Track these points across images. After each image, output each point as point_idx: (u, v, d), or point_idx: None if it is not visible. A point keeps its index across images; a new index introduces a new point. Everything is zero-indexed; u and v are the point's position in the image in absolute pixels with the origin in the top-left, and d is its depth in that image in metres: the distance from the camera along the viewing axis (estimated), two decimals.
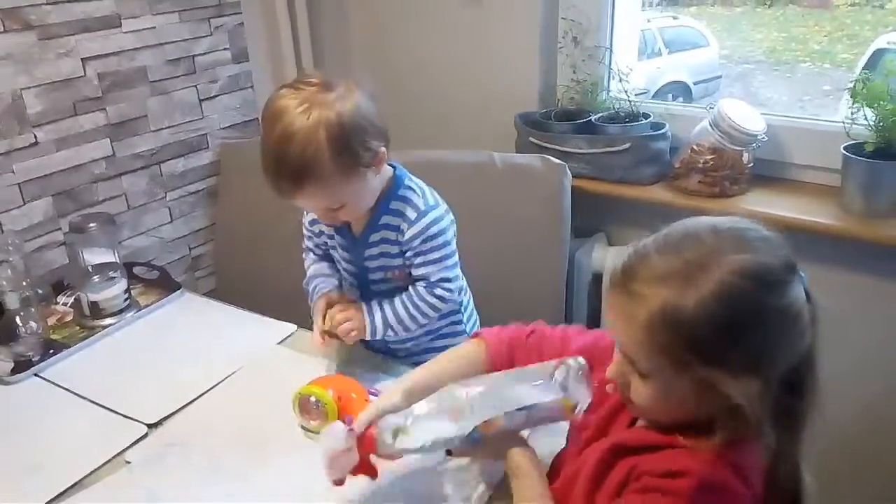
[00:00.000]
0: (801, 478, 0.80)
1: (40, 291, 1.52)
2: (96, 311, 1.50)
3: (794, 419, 0.75)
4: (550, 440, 1.01)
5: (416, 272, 1.27)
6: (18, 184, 1.61)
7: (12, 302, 1.40)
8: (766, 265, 0.73)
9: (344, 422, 1.07)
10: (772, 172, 1.65)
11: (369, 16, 2.07)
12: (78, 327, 1.50)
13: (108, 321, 1.50)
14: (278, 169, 1.10)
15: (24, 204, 1.63)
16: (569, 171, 1.65)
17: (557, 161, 1.65)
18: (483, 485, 1.02)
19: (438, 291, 1.26)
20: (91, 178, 1.74)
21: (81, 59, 1.67)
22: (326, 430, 0.95)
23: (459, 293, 1.36)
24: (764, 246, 0.75)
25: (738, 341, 0.72)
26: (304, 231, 1.39)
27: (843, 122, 1.46)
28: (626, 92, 1.72)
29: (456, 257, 1.29)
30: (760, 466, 0.76)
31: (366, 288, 1.33)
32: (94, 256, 1.54)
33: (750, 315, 0.72)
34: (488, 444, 0.95)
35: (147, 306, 1.57)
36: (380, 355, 1.35)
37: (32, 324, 1.40)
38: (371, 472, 0.99)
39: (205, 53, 1.93)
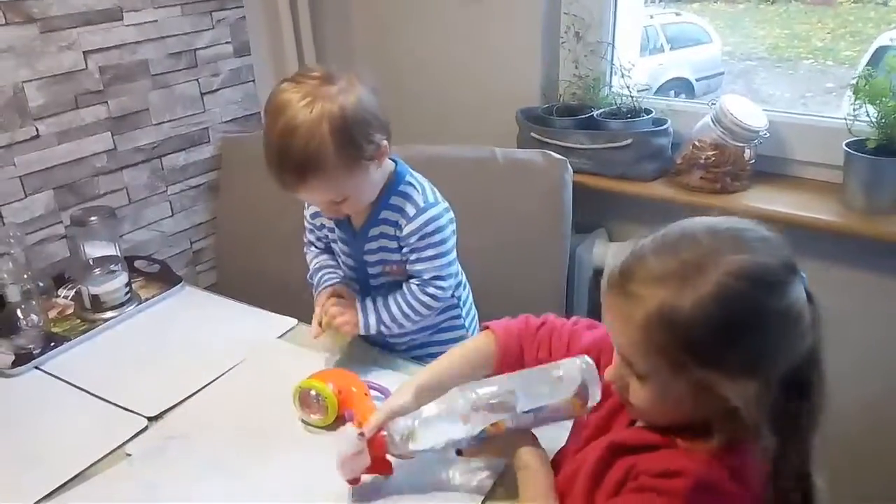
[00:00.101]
0: (809, 482, 0.77)
1: (41, 284, 1.52)
2: (97, 304, 1.50)
3: (797, 422, 0.74)
4: (553, 434, 1.01)
5: (410, 268, 1.27)
6: (20, 176, 1.61)
7: (13, 294, 1.40)
8: (763, 266, 0.72)
9: (344, 416, 1.08)
10: (773, 169, 1.65)
11: (371, 9, 2.07)
12: (79, 320, 1.50)
13: (108, 314, 1.50)
14: (282, 162, 1.10)
15: (26, 197, 1.63)
16: (570, 167, 1.65)
17: (559, 156, 1.65)
18: (486, 472, 1.02)
19: (431, 290, 1.26)
20: (92, 171, 1.75)
21: (83, 52, 1.67)
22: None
23: (458, 289, 1.37)
24: (762, 246, 0.74)
25: (735, 343, 0.71)
26: (306, 224, 1.40)
27: (845, 119, 1.46)
28: (628, 88, 1.72)
29: (452, 256, 1.29)
30: (760, 468, 0.75)
31: (365, 281, 1.34)
32: (95, 250, 1.54)
33: (747, 316, 0.71)
34: (497, 442, 0.96)
35: (148, 300, 1.57)
36: (379, 349, 1.35)
37: (33, 316, 1.40)
38: (385, 470, 1.00)
39: (206, 47, 1.93)
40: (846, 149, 1.45)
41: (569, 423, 1.00)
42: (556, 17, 1.79)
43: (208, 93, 1.97)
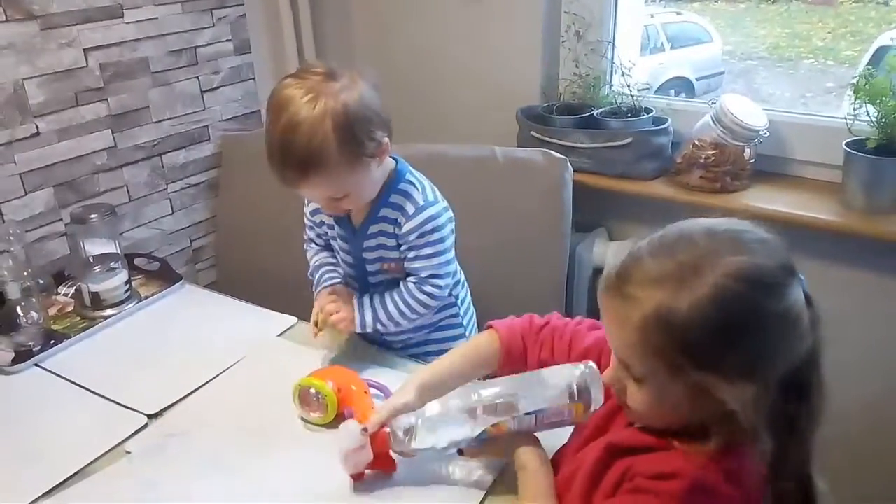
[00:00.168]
0: (810, 484, 0.77)
1: (41, 282, 1.52)
2: (97, 301, 1.50)
3: (796, 424, 0.73)
4: (555, 432, 1.01)
5: (408, 266, 1.27)
6: (20, 174, 1.61)
7: (13, 292, 1.40)
8: (761, 268, 0.71)
9: (344, 414, 1.09)
10: (773, 168, 1.65)
11: (371, 8, 2.07)
12: (79, 318, 1.50)
13: (108, 312, 1.50)
14: (284, 158, 1.10)
15: (26, 194, 1.63)
16: (570, 166, 1.65)
17: (559, 155, 1.65)
18: (486, 469, 1.02)
19: (427, 289, 1.27)
20: (92, 168, 1.75)
21: (83, 49, 1.67)
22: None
23: (455, 287, 1.37)
24: (761, 248, 0.73)
25: (732, 345, 0.71)
26: (306, 221, 1.40)
27: (845, 119, 1.46)
28: (628, 87, 1.72)
29: (450, 255, 1.29)
30: (758, 471, 0.74)
31: (363, 279, 1.34)
32: (95, 247, 1.54)
33: (744, 319, 0.70)
34: (498, 443, 0.96)
35: (148, 297, 1.57)
36: (378, 348, 1.35)
37: (33, 314, 1.40)
38: (388, 466, 1.00)
39: (207, 45, 1.93)
40: (846, 148, 1.45)
41: (571, 428, 1.00)
42: (557, 15, 1.79)
43: (208, 91, 1.97)
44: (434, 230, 1.24)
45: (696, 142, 1.62)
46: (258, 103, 2.08)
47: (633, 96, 1.72)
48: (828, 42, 4.34)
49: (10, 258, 1.40)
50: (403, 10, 2.00)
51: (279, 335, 1.42)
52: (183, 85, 1.90)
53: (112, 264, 1.53)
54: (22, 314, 1.39)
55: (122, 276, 1.53)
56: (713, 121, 1.59)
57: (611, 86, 1.80)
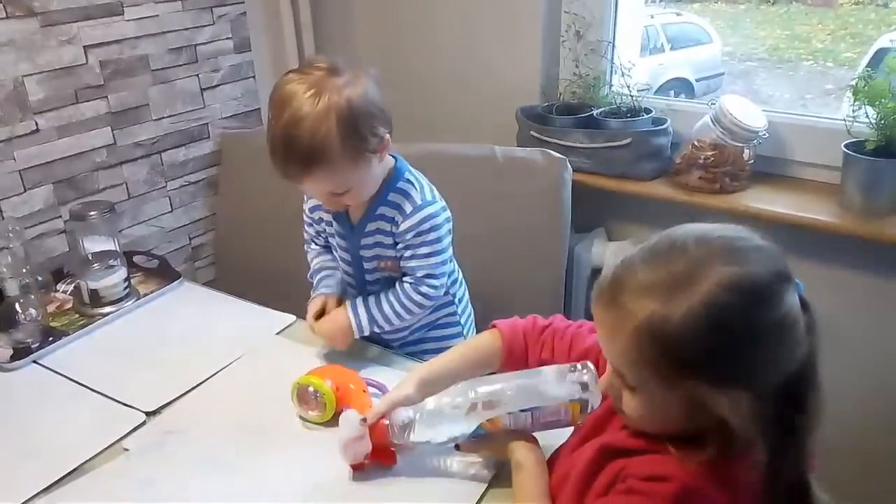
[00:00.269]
0: (807, 493, 0.77)
1: (40, 279, 1.52)
2: (96, 299, 1.50)
3: (791, 432, 0.73)
4: (552, 433, 1.01)
5: (404, 265, 1.28)
6: (19, 171, 1.61)
7: (12, 289, 1.40)
8: (754, 277, 0.70)
9: (342, 413, 1.09)
10: (772, 169, 1.66)
11: (372, 7, 2.07)
12: (77, 315, 1.50)
13: (107, 309, 1.50)
14: (287, 153, 1.11)
15: (25, 191, 1.63)
16: (569, 166, 1.65)
17: (558, 155, 1.65)
18: (485, 462, 1.03)
19: (423, 289, 1.27)
20: (92, 166, 1.74)
21: (83, 46, 1.67)
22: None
23: (453, 286, 1.37)
24: (754, 256, 0.72)
25: (724, 356, 0.70)
26: (305, 218, 1.40)
27: (844, 120, 1.46)
28: (628, 87, 1.72)
29: (447, 255, 1.29)
30: (752, 479, 0.73)
31: (360, 276, 1.34)
32: (95, 244, 1.54)
33: (737, 329, 0.70)
34: (494, 440, 0.97)
35: (146, 295, 1.57)
36: (377, 346, 1.35)
37: (32, 311, 1.40)
38: (388, 459, 1.01)
39: (207, 42, 1.93)
40: (845, 150, 1.46)
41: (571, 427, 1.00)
42: (557, 15, 1.79)
43: (208, 88, 1.96)
44: (431, 230, 1.24)
45: (696, 142, 1.63)
46: (258, 101, 2.08)
47: (632, 97, 1.72)
48: (827, 44, 4.34)
49: (10, 255, 1.40)
50: (404, 8, 2.00)
51: (278, 333, 1.42)
52: (183, 83, 1.90)
53: (111, 262, 1.53)
54: (21, 311, 1.39)
55: (121, 273, 1.53)
56: (712, 122, 1.59)
57: (611, 86, 1.80)
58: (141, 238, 1.90)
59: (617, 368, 0.79)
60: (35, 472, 1.07)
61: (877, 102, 1.41)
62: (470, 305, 1.46)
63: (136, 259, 1.71)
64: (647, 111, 1.71)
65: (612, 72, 1.80)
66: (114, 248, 1.55)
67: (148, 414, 1.19)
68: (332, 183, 1.16)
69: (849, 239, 1.47)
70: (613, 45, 1.76)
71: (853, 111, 1.44)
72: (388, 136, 1.18)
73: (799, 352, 0.72)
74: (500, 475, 1.00)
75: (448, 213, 1.28)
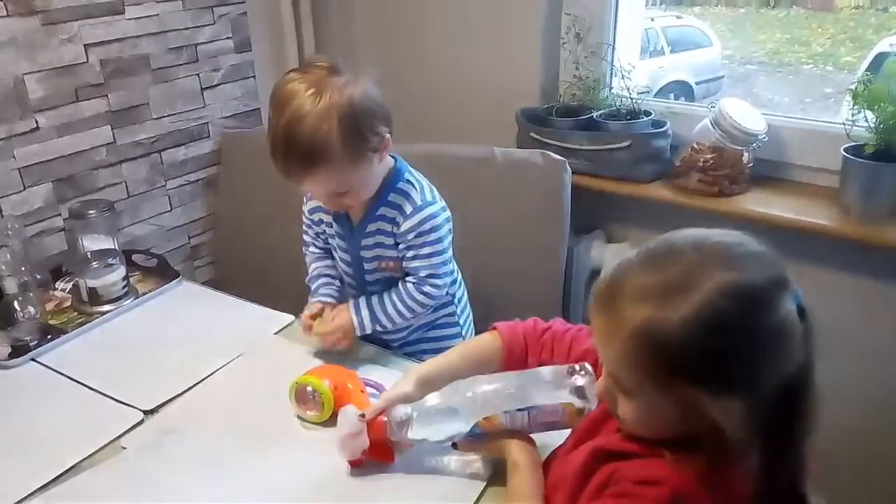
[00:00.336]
0: (805, 500, 0.76)
1: (39, 277, 1.52)
2: (94, 297, 1.50)
3: (786, 438, 0.72)
4: (551, 434, 1.01)
5: (406, 266, 1.28)
6: (19, 169, 1.61)
7: (11, 287, 1.40)
8: (751, 283, 0.70)
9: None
10: (771, 172, 1.66)
11: (372, 7, 2.07)
12: (76, 313, 1.50)
13: (106, 308, 1.50)
14: (288, 152, 1.11)
15: (25, 189, 1.63)
16: (569, 168, 1.65)
17: (558, 157, 1.65)
18: (483, 463, 1.03)
19: (426, 288, 1.27)
20: (91, 164, 1.75)
21: (84, 45, 1.67)
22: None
23: (452, 286, 1.37)
24: (752, 262, 0.72)
25: (720, 362, 0.70)
26: (304, 219, 1.40)
27: (844, 124, 1.46)
28: (627, 89, 1.72)
29: (448, 254, 1.30)
30: (747, 485, 0.73)
31: (360, 276, 1.34)
32: (94, 243, 1.54)
33: (733, 335, 0.69)
34: (491, 439, 0.97)
35: (145, 294, 1.57)
36: (375, 346, 1.35)
37: (31, 309, 1.40)
38: (386, 456, 1.01)
39: (207, 42, 1.93)
40: (844, 154, 1.46)
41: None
42: (557, 17, 1.79)
43: (208, 88, 1.97)
44: (432, 230, 1.24)
45: (695, 145, 1.63)
46: (258, 101, 2.08)
47: (632, 99, 1.72)
48: (827, 48, 4.35)
49: (8, 253, 1.40)
50: (404, 10, 2.00)
51: (276, 333, 1.42)
52: (183, 82, 1.90)
53: (110, 260, 1.53)
54: (19, 309, 1.39)
55: (120, 272, 1.53)
56: (712, 125, 1.59)
57: (610, 88, 1.80)
58: (140, 237, 1.90)
59: (612, 372, 0.78)
60: (32, 469, 1.07)
61: (876, 106, 1.41)
62: (469, 306, 1.46)
63: (134, 258, 1.71)
64: (647, 114, 1.71)
65: (612, 74, 1.80)
66: (113, 247, 1.55)
67: (146, 412, 1.19)
68: (332, 182, 1.16)
69: (848, 243, 1.47)
70: (613, 48, 1.77)
71: (853, 115, 1.44)
72: (388, 135, 1.18)
73: (795, 359, 0.71)
74: (498, 474, 1.00)
75: (448, 213, 1.29)
